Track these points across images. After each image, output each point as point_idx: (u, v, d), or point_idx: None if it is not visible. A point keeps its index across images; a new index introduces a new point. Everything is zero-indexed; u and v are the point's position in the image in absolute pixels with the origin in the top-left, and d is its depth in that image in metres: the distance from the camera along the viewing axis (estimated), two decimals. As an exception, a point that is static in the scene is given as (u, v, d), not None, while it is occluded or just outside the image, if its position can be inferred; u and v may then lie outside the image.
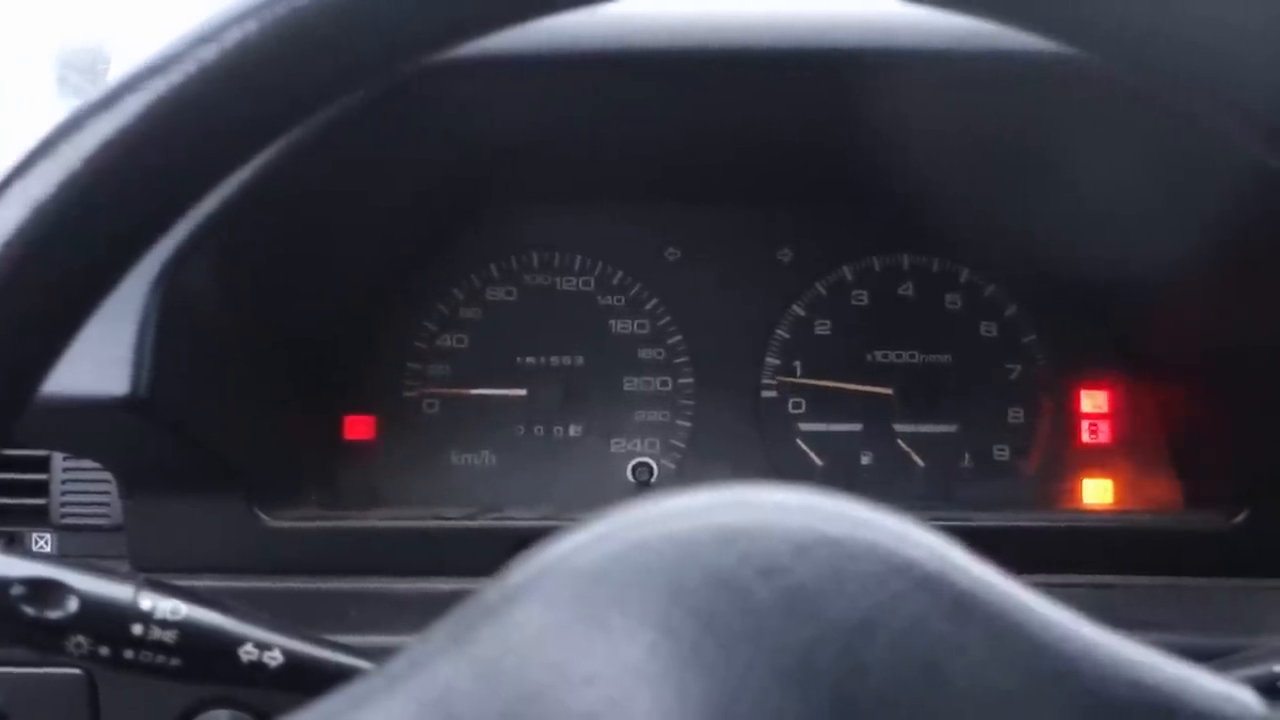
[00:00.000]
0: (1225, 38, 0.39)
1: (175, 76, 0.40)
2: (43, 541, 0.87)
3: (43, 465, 0.88)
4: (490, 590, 0.37)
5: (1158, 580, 0.84)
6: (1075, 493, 1.02)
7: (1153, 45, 0.40)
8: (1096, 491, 1.01)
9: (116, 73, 0.87)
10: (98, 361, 0.68)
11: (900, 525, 0.36)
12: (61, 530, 0.87)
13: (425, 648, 0.37)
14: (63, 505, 0.87)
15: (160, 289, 0.69)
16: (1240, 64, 0.39)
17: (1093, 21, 0.41)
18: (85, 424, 0.73)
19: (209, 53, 0.40)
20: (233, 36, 0.40)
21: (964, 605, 0.35)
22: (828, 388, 1.04)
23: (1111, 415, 1.02)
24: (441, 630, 0.37)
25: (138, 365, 0.69)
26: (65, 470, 0.87)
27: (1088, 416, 1.02)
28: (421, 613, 0.38)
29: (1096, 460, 1.02)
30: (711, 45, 0.76)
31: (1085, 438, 1.02)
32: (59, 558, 0.71)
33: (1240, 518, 0.84)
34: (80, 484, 0.87)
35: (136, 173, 0.40)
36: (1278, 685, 0.51)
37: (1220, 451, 0.92)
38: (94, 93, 0.41)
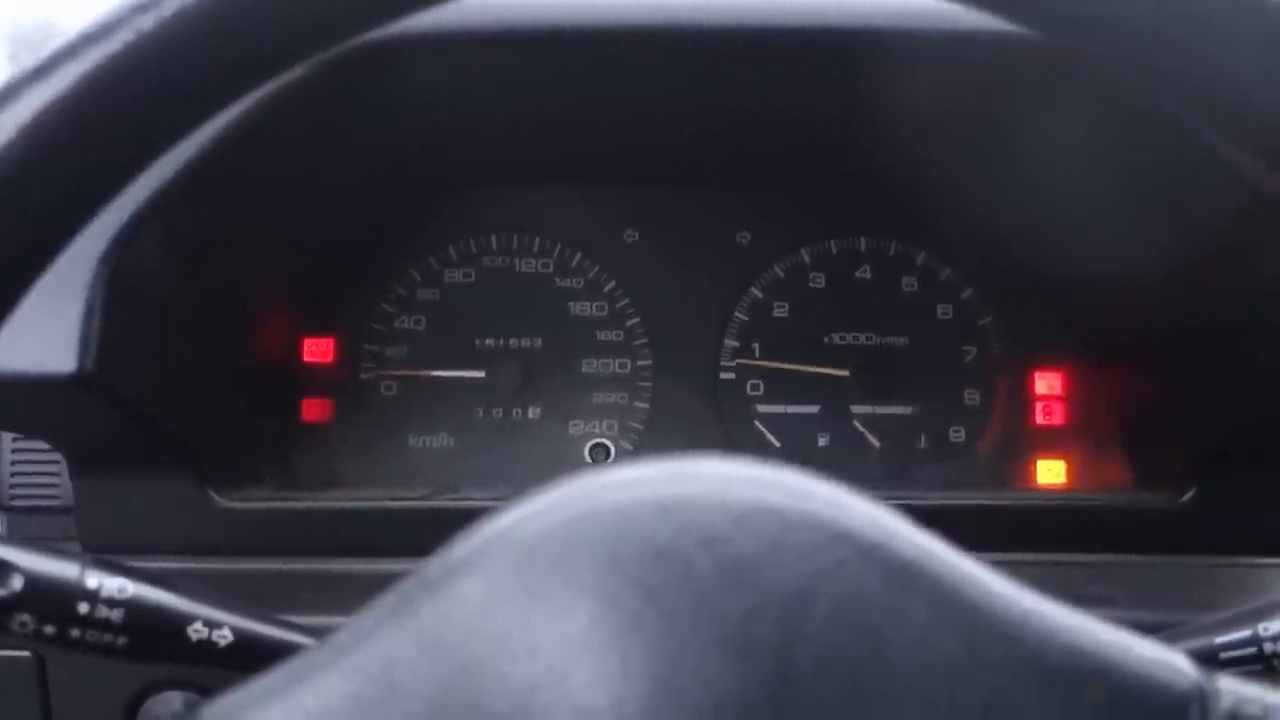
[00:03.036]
0: (1222, 54, 0.40)
1: (113, 45, 0.39)
2: (-10, 523, 0.86)
3: (-10, 446, 0.87)
4: (432, 564, 0.37)
5: (1109, 558, 0.85)
6: (1029, 473, 1.03)
7: (1151, 59, 0.41)
8: (1050, 472, 1.02)
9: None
10: (44, 338, 0.67)
11: (840, 495, 0.37)
12: (10, 512, 0.86)
13: (368, 621, 0.37)
14: (11, 486, 0.86)
15: (108, 266, 0.68)
16: (1237, 82, 0.40)
17: (1090, 27, 0.41)
18: (33, 403, 0.72)
19: (146, 22, 0.39)
20: (171, 5, 0.40)
21: (904, 573, 0.36)
22: (785, 369, 1.04)
23: (1065, 397, 1.03)
24: (384, 604, 0.37)
25: (85, 342, 0.68)
26: (14, 451, 0.86)
27: (1042, 398, 1.03)
28: (377, 593, 0.38)
29: (1050, 441, 1.03)
30: (670, 24, 0.76)
31: (1039, 419, 1.03)
32: (6, 538, 0.70)
33: (1188, 497, 0.85)
34: (29, 465, 0.86)
35: (73, 142, 0.40)
36: (1220, 656, 0.52)
37: (1169, 433, 0.93)
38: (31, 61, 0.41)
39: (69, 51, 0.40)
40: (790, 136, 0.97)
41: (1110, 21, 0.41)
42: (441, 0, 0.43)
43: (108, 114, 0.40)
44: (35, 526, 0.85)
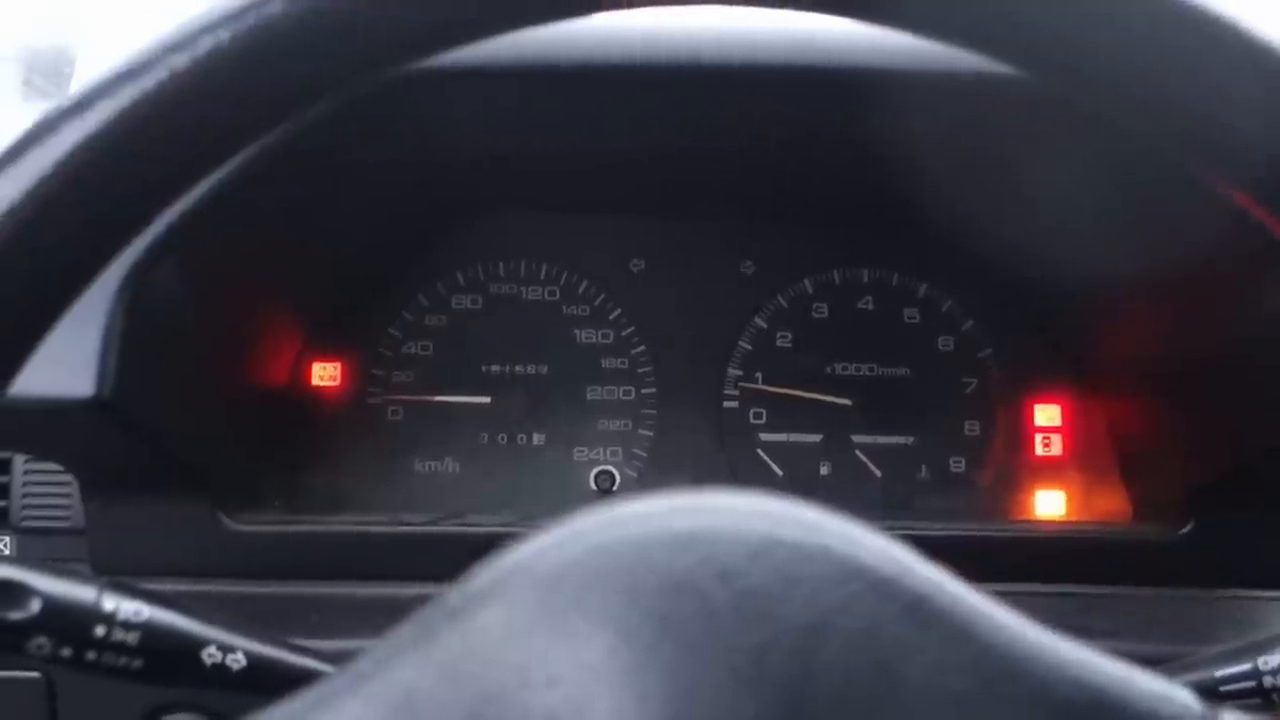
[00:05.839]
0: (1219, 97, 0.41)
1: (147, 83, 0.40)
2: (2, 544, 0.87)
3: (4, 467, 0.87)
4: (453, 593, 0.38)
5: (1107, 589, 0.86)
6: (1028, 504, 1.04)
7: (1144, 101, 0.42)
8: (1048, 503, 1.03)
9: (82, 76, 0.87)
10: (62, 363, 0.68)
11: (854, 530, 0.38)
12: (22, 533, 0.86)
13: (389, 649, 0.37)
14: (23, 508, 0.86)
15: (126, 293, 0.69)
16: (1233, 123, 0.41)
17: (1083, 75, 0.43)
18: (48, 426, 0.72)
19: (180, 60, 0.40)
20: (205, 45, 0.41)
21: (916, 608, 0.36)
22: (789, 397, 1.05)
23: (1064, 429, 1.04)
24: (405, 632, 0.38)
25: (102, 368, 0.69)
26: (26, 473, 0.87)
27: (1041, 429, 1.04)
28: (384, 617, 0.39)
29: (1049, 472, 1.04)
30: (680, 61, 0.77)
31: (1038, 450, 1.04)
32: (20, 560, 0.70)
33: (1186, 529, 0.86)
34: (42, 486, 0.86)
35: (107, 178, 0.40)
36: (1220, 690, 0.53)
37: (1167, 465, 0.94)
38: (63, 96, 0.41)
39: (104, 89, 0.41)
40: (795, 170, 0.98)
41: (1096, 61, 0.42)
42: (430, 52, 0.44)
43: (141, 150, 0.41)
44: (46, 548, 0.85)
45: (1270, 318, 0.77)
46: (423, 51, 0.44)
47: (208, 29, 0.41)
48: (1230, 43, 0.41)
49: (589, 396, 1.05)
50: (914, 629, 0.36)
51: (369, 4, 0.42)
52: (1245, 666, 0.52)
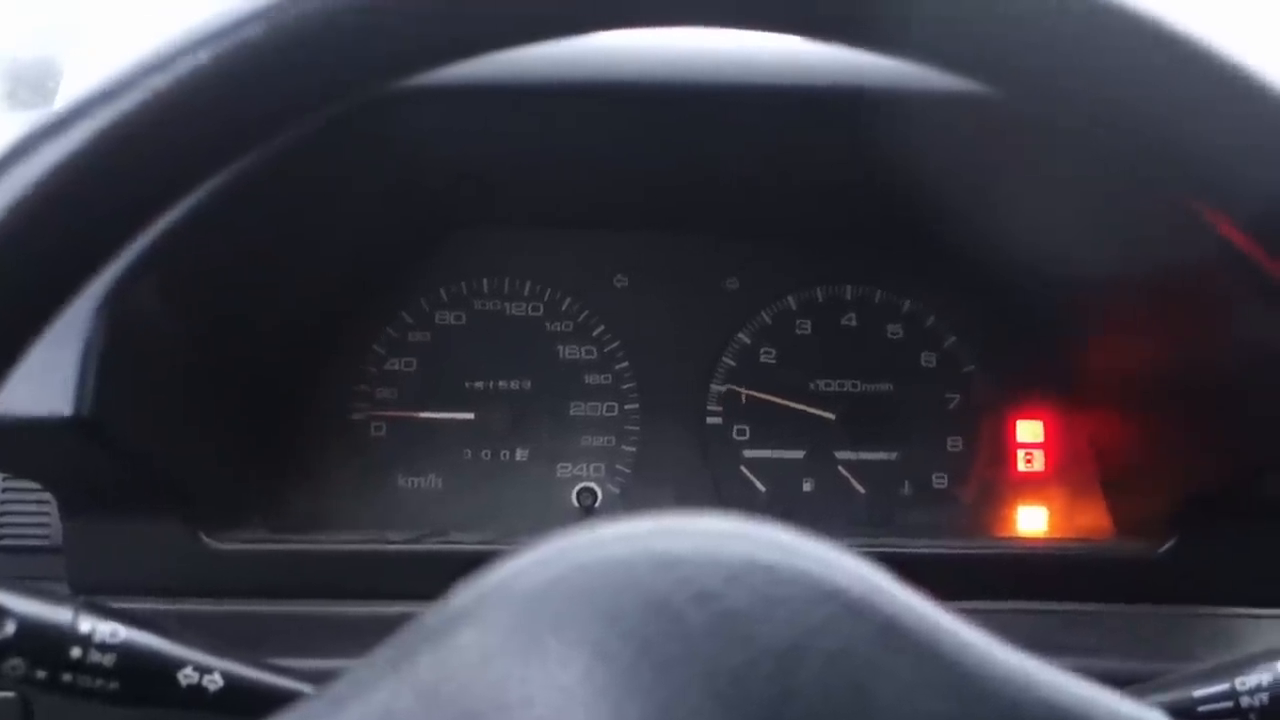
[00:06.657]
0: (1214, 135, 0.41)
1: (126, 104, 0.40)
2: (-22, 562, 0.86)
3: (-19, 485, 0.87)
4: (431, 614, 0.38)
5: (1088, 606, 0.86)
6: (1010, 520, 1.04)
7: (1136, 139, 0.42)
8: (1031, 519, 1.03)
9: (67, 88, 0.86)
10: (41, 382, 0.67)
11: (829, 552, 0.38)
12: (-2, 551, 0.86)
13: (366, 671, 0.38)
14: (1, 526, 0.86)
15: (106, 311, 0.69)
16: (1229, 163, 0.41)
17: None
18: (27, 444, 0.72)
19: (161, 81, 0.40)
20: (185, 65, 0.41)
21: (889, 630, 0.36)
22: (773, 409, 1.05)
23: (1046, 445, 1.05)
24: (383, 653, 0.38)
25: (81, 386, 0.68)
26: (4, 490, 0.86)
27: (1023, 446, 1.05)
28: (366, 636, 0.39)
29: (1031, 488, 1.04)
30: (664, 80, 0.77)
31: (1021, 466, 1.04)
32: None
33: (1167, 546, 0.86)
34: (19, 504, 0.86)
35: (87, 197, 0.40)
36: (1197, 710, 0.53)
37: (1150, 481, 0.94)
38: (43, 113, 0.41)
39: (82, 109, 0.41)
40: (778, 187, 0.98)
41: (1082, 92, 0.43)
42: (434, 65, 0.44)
43: (120, 170, 0.41)
44: (23, 566, 0.85)
45: (1254, 334, 0.78)
46: (403, 73, 0.45)
47: (188, 49, 0.41)
48: (1224, 78, 0.41)
49: (572, 412, 1.05)
50: (888, 651, 0.36)
51: (375, 15, 0.42)
52: (1222, 687, 0.53)
